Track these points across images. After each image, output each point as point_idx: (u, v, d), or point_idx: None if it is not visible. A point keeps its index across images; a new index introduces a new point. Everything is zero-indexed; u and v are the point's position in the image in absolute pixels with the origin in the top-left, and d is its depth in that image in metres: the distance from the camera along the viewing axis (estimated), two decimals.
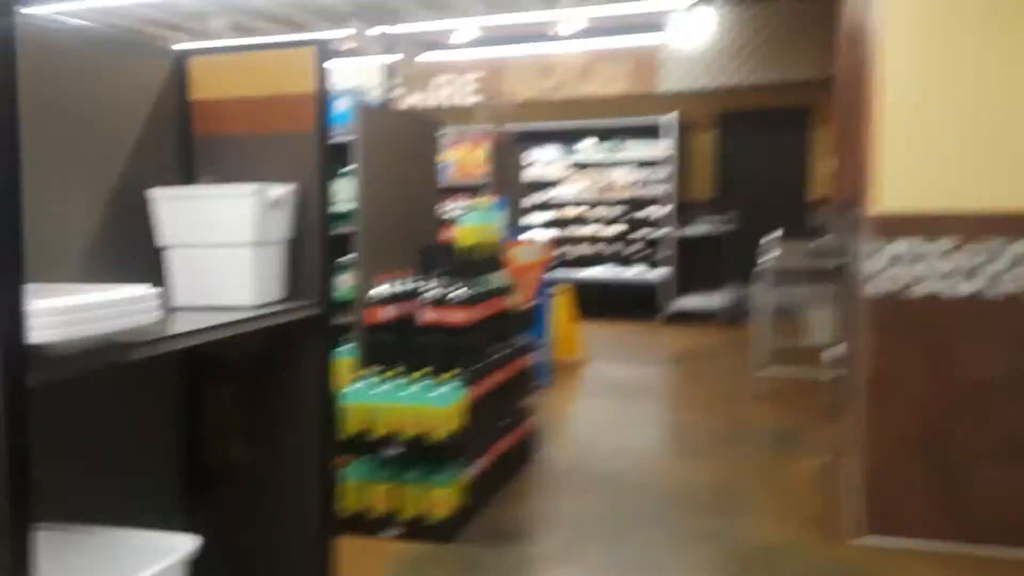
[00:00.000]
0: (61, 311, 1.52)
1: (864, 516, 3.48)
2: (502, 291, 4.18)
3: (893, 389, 3.41)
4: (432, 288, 3.73)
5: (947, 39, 3.29)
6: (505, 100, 8.16)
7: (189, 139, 2.46)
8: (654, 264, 9.79)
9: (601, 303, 9.36)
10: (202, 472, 2.59)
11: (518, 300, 4.72)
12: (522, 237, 6.62)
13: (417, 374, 3.56)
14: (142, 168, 2.32)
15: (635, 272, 9.86)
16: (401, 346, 3.69)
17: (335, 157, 3.87)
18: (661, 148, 9.68)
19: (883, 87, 3.37)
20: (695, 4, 9.26)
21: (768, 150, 10.04)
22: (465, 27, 9.46)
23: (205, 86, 2.45)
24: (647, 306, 9.60)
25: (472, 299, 3.74)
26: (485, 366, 3.91)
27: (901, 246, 3.36)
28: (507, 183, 6.61)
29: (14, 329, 1.44)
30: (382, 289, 3.72)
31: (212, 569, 2.57)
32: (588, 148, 10.21)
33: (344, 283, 3.89)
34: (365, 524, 3.58)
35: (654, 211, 9.80)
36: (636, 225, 9.98)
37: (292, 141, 2.39)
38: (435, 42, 10.09)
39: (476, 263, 3.99)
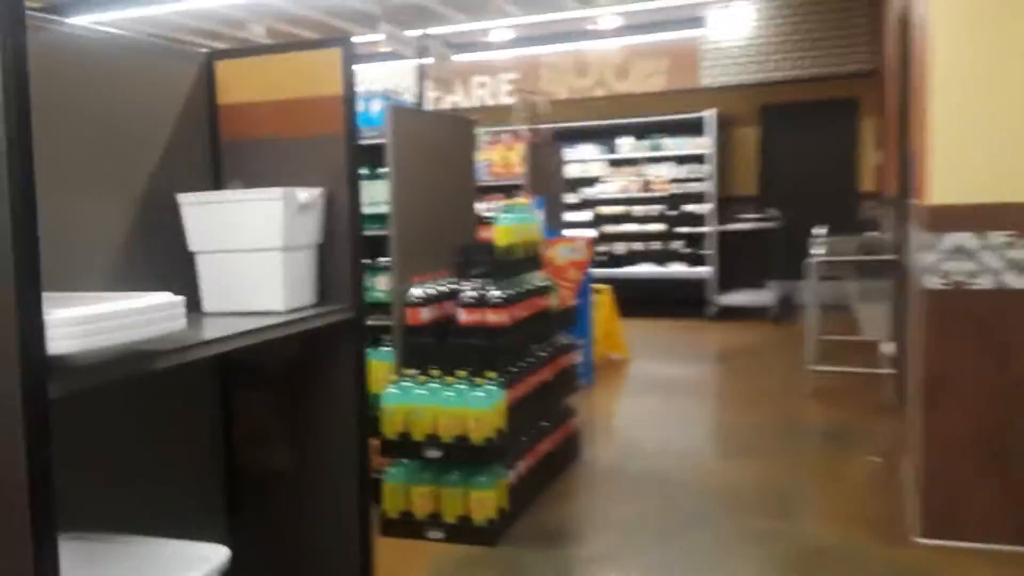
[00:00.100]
0: (81, 321, 1.49)
1: (921, 517, 3.34)
2: (542, 290, 4.11)
3: (950, 387, 3.28)
4: (470, 289, 3.68)
5: (999, 27, 3.18)
6: (542, 99, 8.08)
7: (217, 143, 2.45)
8: (697, 261, 9.63)
9: (644, 301, 9.24)
10: (238, 477, 2.57)
11: (559, 299, 4.65)
12: (562, 235, 6.56)
13: (456, 376, 3.51)
14: (172, 173, 2.31)
15: (679, 269, 9.71)
16: (440, 347, 3.65)
17: (370, 159, 3.85)
18: (702, 144, 9.52)
19: (935, 77, 3.26)
20: None
21: (814, 143, 9.81)
22: (500, 27, 9.42)
23: (232, 90, 2.43)
24: (692, 303, 9.45)
25: (511, 299, 3.68)
26: (525, 367, 3.85)
27: (956, 239, 3.23)
28: (546, 182, 6.53)
29: (33, 340, 1.42)
30: (420, 290, 3.68)
31: (252, 572, 2.56)
32: (627, 145, 10.09)
33: (381, 285, 3.85)
34: (408, 526, 3.54)
35: (696, 207, 9.64)
36: (678, 222, 9.83)
37: (321, 144, 2.36)
38: (471, 43, 10.07)
39: (515, 262, 3.93)
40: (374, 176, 3.89)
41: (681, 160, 9.83)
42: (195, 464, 2.50)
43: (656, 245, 9.92)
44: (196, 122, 2.40)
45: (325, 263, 2.38)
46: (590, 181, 10.21)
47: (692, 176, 9.70)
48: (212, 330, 1.93)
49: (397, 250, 3.73)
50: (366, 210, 3.85)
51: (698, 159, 9.64)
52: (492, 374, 3.53)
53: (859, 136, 9.57)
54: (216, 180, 2.45)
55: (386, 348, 3.87)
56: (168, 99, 2.33)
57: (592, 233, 9.91)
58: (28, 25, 1.37)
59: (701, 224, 9.59)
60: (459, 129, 4.57)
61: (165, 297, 1.68)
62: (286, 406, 2.50)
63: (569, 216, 9.37)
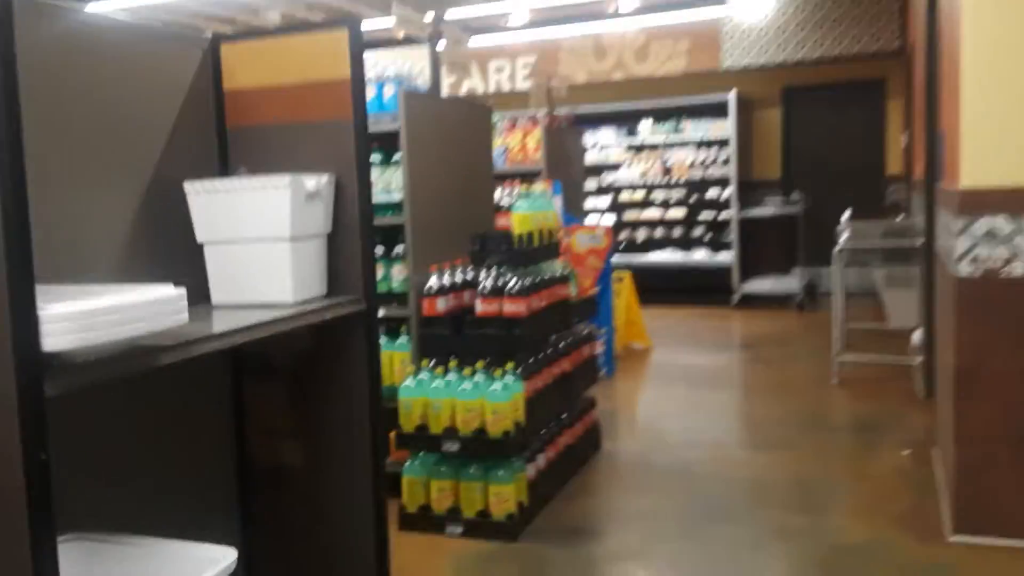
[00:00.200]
0: (78, 316, 1.42)
1: (953, 514, 3.23)
2: (561, 279, 4.01)
3: (982, 377, 3.15)
4: (488, 278, 3.60)
5: None
6: (560, 83, 7.95)
7: (223, 130, 2.37)
8: (719, 247, 9.48)
9: (665, 288, 9.11)
10: (249, 473, 2.51)
11: (579, 287, 4.56)
12: (582, 223, 6.45)
13: (474, 367, 3.43)
14: (177, 161, 2.24)
15: (701, 255, 9.56)
16: (457, 338, 3.57)
17: (385, 146, 3.77)
18: (724, 127, 9.35)
19: (964, 55, 3.12)
20: None
21: (839, 125, 9.61)
22: (517, 10, 9.27)
23: (238, 74, 2.35)
24: (715, 290, 9.30)
25: (529, 288, 3.59)
26: (545, 357, 3.77)
27: (988, 223, 3.10)
28: (565, 167, 6.42)
29: (26, 336, 1.36)
30: (436, 280, 3.61)
31: (265, 570, 2.50)
32: (648, 129, 9.94)
33: (397, 275, 3.78)
34: (427, 521, 3.48)
35: (718, 192, 9.48)
36: (700, 207, 9.67)
37: (328, 129, 2.28)
38: (487, 26, 9.93)
39: (533, 251, 3.83)
40: (389, 163, 3.80)
41: (702, 144, 9.67)
42: (206, 461, 2.43)
43: (678, 231, 9.77)
44: (202, 108, 2.33)
45: (335, 253, 2.30)
46: (610, 167, 10.07)
47: (714, 160, 9.54)
48: (217, 324, 1.87)
49: (412, 239, 3.65)
50: (381, 198, 3.77)
51: (720, 143, 9.47)
52: (510, 365, 3.45)
53: (885, 117, 9.36)
54: (223, 167, 2.38)
55: (402, 339, 3.80)
56: (173, 85, 2.26)
57: (612, 219, 9.80)
58: (26, 11, 1.32)
59: (724, 209, 9.44)
60: (475, 114, 4.48)
61: (167, 290, 1.61)
62: (298, 400, 2.44)
63: (589, 202, 9.24)
